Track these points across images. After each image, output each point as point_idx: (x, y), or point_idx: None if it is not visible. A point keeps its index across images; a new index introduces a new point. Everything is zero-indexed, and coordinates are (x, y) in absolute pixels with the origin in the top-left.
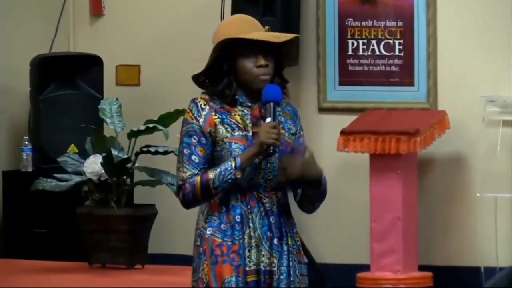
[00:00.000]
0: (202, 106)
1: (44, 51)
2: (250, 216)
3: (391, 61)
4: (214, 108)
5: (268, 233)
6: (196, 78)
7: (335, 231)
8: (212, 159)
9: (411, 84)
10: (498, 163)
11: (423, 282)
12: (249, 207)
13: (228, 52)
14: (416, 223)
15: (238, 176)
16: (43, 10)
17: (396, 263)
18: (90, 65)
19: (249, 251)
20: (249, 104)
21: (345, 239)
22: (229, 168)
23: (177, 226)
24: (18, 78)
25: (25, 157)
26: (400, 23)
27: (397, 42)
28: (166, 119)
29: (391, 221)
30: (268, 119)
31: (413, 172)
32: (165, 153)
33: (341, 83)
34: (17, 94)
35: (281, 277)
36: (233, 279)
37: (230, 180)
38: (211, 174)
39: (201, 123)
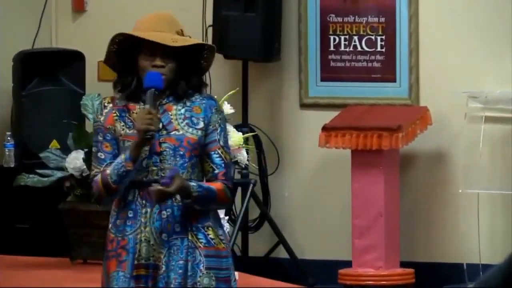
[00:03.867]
0: (105, 104)
1: (26, 47)
2: (143, 211)
3: (373, 57)
4: (118, 106)
5: (159, 228)
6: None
7: (316, 227)
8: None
9: (393, 80)
10: (481, 159)
11: (405, 279)
12: (144, 202)
13: (130, 48)
14: (398, 220)
15: (129, 168)
16: (26, 6)
17: (378, 260)
18: (73, 60)
19: (139, 245)
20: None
21: (326, 235)
22: (120, 161)
23: None
24: (1, 74)
25: (7, 153)
26: (382, 19)
27: (379, 38)
28: None
29: (373, 217)
30: (146, 106)
31: (395, 168)
32: None
33: (322, 79)
34: (0, 90)
35: (169, 271)
36: (115, 274)
37: (123, 173)
38: (108, 170)
39: (102, 121)
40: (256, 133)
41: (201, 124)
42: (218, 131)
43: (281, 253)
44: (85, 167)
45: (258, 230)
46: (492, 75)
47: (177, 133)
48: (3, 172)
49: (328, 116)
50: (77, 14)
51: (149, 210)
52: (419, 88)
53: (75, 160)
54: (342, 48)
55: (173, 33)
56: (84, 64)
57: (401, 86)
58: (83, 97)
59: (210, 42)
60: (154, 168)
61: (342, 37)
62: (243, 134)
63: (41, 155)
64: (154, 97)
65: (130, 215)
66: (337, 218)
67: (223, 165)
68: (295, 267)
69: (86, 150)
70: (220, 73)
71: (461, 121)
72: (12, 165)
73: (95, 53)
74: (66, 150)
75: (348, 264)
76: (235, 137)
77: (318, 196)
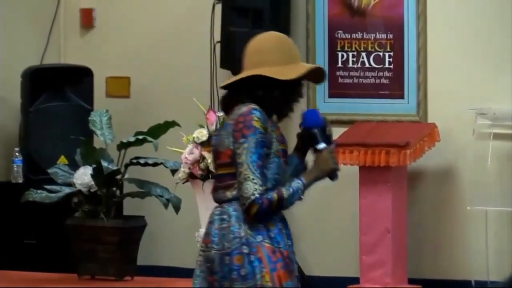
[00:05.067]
0: (264, 116)
1: (35, 63)
2: (283, 223)
3: (381, 74)
4: (266, 120)
5: (289, 241)
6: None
7: (324, 243)
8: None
9: (401, 96)
10: (488, 176)
11: None
12: (279, 215)
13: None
14: (405, 236)
15: (302, 198)
16: (34, 21)
17: (386, 276)
18: (81, 76)
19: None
20: (273, 120)
21: (334, 252)
22: (298, 191)
23: (165, 238)
24: (9, 89)
25: (15, 169)
26: (390, 35)
27: (387, 54)
28: (156, 131)
29: (380, 233)
30: (322, 145)
31: (403, 184)
32: (155, 164)
33: (330, 95)
34: (8, 106)
35: None
36: (290, 283)
37: (296, 200)
38: (285, 193)
39: (267, 134)
40: None
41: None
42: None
43: None
44: (92, 183)
45: None
46: (501, 92)
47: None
48: (11, 187)
49: (336, 133)
50: (85, 30)
51: (281, 222)
52: (427, 104)
53: (83, 176)
54: (350, 65)
55: None
56: (92, 80)
57: (409, 102)
58: (91, 113)
59: (218, 58)
60: None
61: (350, 54)
62: None
63: (49, 170)
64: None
65: (280, 227)
66: (345, 235)
67: None
68: (303, 283)
69: (94, 166)
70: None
71: (469, 137)
72: (20, 181)
73: (103, 69)
74: (74, 166)
75: (355, 280)
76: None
77: (325, 213)
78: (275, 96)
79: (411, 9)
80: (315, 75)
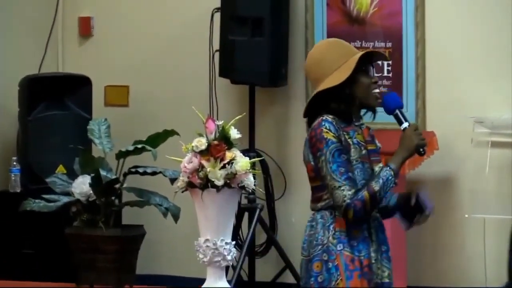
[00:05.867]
0: (336, 125)
1: (33, 72)
2: (372, 231)
3: (379, 82)
4: (342, 128)
5: (383, 247)
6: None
7: None
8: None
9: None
10: (487, 184)
11: None
12: (369, 221)
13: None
14: (404, 245)
15: (397, 181)
16: (32, 30)
17: None
18: (79, 85)
19: (374, 265)
20: (356, 124)
21: None
22: (389, 177)
23: (164, 247)
24: (7, 98)
25: (13, 178)
26: (389, 44)
27: (385, 63)
28: (155, 140)
29: None
30: (405, 124)
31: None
32: (153, 173)
33: None
34: (6, 115)
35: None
36: None
37: (391, 188)
38: (376, 186)
39: (342, 141)
40: (263, 157)
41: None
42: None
43: (288, 278)
44: (91, 192)
45: (265, 255)
46: (499, 100)
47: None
48: (9, 197)
49: None
50: (83, 39)
51: (373, 230)
52: (426, 113)
53: (82, 185)
54: None
55: None
56: (90, 89)
57: (407, 111)
58: (90, 122)
59: (216, 67)
60: None
61: None
62: (250, 159)
63: (47, 180)
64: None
65: (366, 235)
66: None
67: None
68: None
69: (92, 175)
70: (227, 98)
71: (467, 146)
72: (18, 190)
73: (102, 78)
74: (72, 175)
75: None
76: (242, 162)
77: None
78: (341, 100)
79: (409, 18)
80: (376, 55)
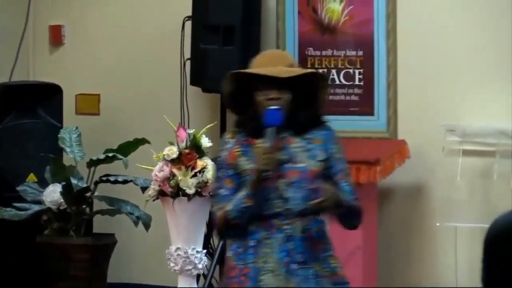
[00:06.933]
0: (227, 139)
1: (3, 80)
2: (268, 242)
3: (351, 90)
4: (240, 140)
5: (286, 258)
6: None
7: None
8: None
9: (371, 113)
10: (458, 193)
11: None
12: (268, 233)
13: (247, 85)
14: (376, 253)
15: (249, 204)
16: (2, 38)
17: None
18: (50, 94)
19: (263, 275)
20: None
21: None
22: (240, 197)
23: (135, 255)
24: None
25: None
26: (360, 52)
27: (357, 71)
28: (126, 148)
29: (351, 251)
30: (266, 144)
31: (373, 201)
32: (125, 182)
33: None
34: None
35: None
36: None
37: (243, 209)
38: (228, 206)
39: (224, 157)
40: None
41: (321, 156)
42: (342, 160)
43: None
44: (62, 200)
45: None
46: (470, 109)
47: (299, 165)
48: None
49: None
50: (54, 47)
51: (273, 241)
52: (397, 121)
53: (53, 193)
54: None
55: (284, 66)
56: (61, 97)
57: (379, 119)
58: (61, 130)
59: (188, 75)
60: (277, 201)
61: (321, 71)
62: None
63: (18, 188)
64: (275, 134)
65: (252, 244)
66: None
67: (353, 191)
68: None
69: (63, 183)
70: (198, 106)
71: (439, 154)
72: None
73: (73, 86)
74: (43, 184)
75: None
76: (213, 171)
77: None
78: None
79: (381, 26)
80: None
